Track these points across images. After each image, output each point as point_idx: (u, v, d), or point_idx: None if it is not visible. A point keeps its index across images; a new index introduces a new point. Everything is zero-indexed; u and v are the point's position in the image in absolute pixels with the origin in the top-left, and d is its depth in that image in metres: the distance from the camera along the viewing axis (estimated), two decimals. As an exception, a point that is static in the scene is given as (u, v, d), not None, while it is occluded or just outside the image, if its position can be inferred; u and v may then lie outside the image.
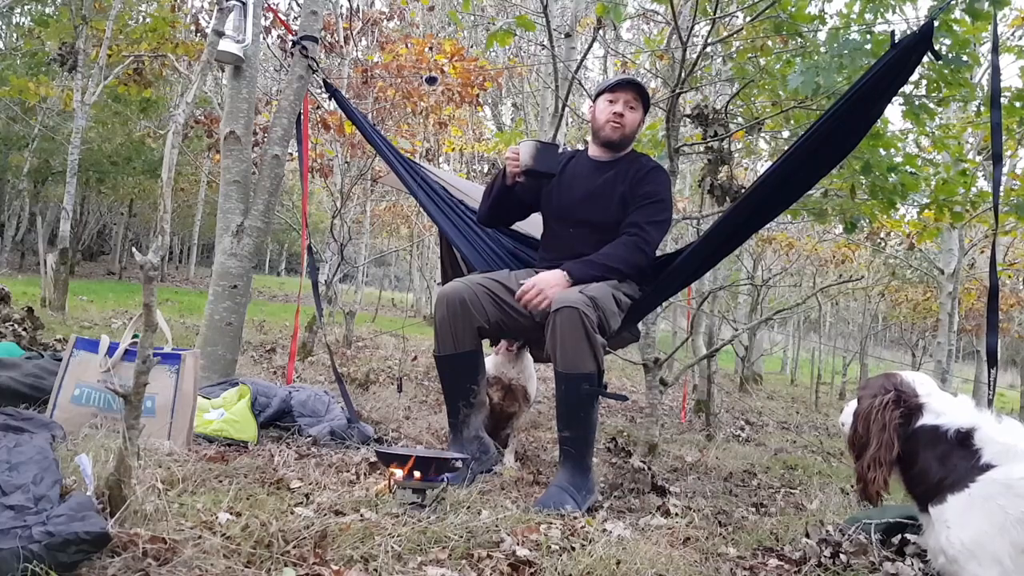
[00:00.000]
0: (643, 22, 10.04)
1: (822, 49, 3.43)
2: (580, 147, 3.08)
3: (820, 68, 3.21)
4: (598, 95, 3.01)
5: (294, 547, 1.69)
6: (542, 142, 2.88)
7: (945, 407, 1.58)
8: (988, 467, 1.45)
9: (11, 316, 4.16)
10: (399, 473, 2.23)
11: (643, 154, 3.06)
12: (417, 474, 2.22)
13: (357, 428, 3.23)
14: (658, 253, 3.01)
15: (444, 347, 2.81)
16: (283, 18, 7.74)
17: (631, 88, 2.91)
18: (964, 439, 1.51)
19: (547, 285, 2.66)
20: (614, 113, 2.91)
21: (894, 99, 2.60)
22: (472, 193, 3.55)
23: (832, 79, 3.20)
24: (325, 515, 1.98)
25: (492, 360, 3.26)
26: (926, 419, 1.58)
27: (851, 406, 1.74)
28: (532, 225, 3.25)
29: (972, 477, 1.45)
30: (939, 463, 1.52)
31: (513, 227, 3.32)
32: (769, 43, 4.03)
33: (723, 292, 10.02)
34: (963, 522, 1.43)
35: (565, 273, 2.69)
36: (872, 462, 1.58)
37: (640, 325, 3.35)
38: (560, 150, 2.96)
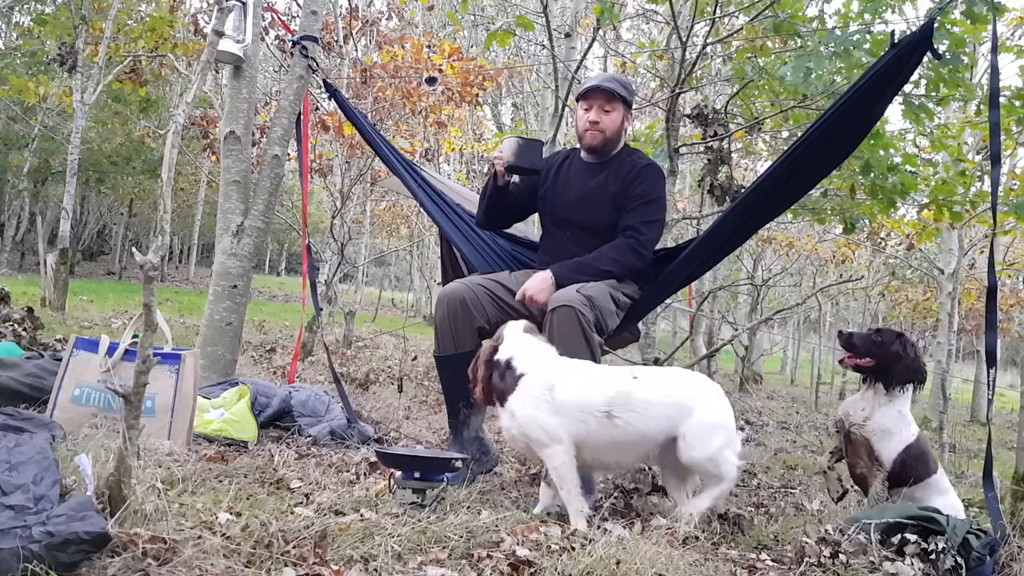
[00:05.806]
0: (643, 22, 10.04)
1: (820, 48, 3.43)
2: (578, 146, 3.06)
3: (812, 55, 3.20)
4: (576, 100, 2.99)
5: (294, 547, 1.69)
6: (524, 138, 2.91)
7: None
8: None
9: (11, 316, 4.15)
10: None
11: (636, 150, 3.02)
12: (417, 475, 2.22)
13: (357, 428, 3.24)
14: (657, 248, 3.00)
15: (444, 347, 2.81)
16: (283, 18, 7.73)
17: (601, 93, 2.87)
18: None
19: (535, 288, 2.71)
20: (589, 121, 2.89)
21: (894, 99, 2.59)
22: (469, 197, 3.55)
23: (822, 63, 3.19)
24: (325, 515, 1.98)
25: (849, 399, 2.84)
26: None
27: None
28: (530, 227, 3.25)
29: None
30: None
31: (511, 230, 3.32)
32: (768, 44, 4.04)
33: (723, 292, 10.03)
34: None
35: (551, 274, 2.72)
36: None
37: (640, 325, 3.34)
38: (546, 148, 2.97)
